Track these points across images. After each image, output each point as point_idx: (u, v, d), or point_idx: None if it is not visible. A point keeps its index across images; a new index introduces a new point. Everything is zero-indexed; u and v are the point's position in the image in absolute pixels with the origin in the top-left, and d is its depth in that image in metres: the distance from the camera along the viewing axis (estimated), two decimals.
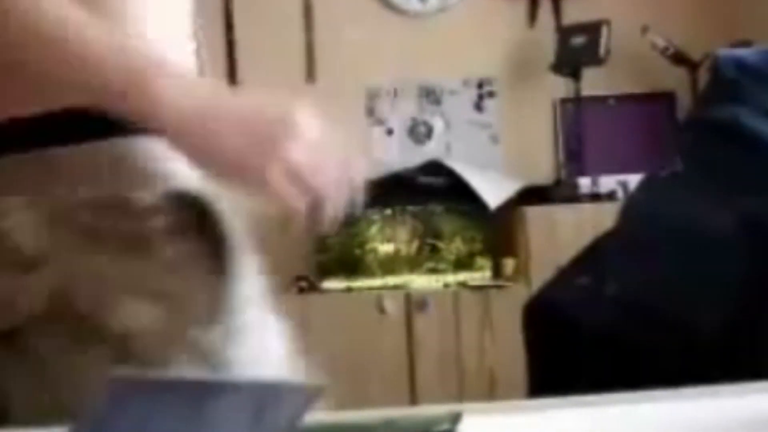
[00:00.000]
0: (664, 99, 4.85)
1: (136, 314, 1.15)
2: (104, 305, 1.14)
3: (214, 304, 1.21)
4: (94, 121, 1.13)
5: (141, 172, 1.17)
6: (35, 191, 1.14)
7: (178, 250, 1.18)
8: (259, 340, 1.29)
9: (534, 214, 4.45)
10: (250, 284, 1.31)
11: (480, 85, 4.91)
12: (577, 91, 4.63)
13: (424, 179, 4.59)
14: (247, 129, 1.15)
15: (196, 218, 1.22)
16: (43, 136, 1.15)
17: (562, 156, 4.86)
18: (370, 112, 4.92)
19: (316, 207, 1.12)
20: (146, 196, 1.16)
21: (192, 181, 1.21)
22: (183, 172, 1.19)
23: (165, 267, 1.17)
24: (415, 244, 4.68)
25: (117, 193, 1.15)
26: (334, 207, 1.14)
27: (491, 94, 4.92)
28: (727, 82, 1.97)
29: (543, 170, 4.83)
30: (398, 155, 4.87)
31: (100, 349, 1.14)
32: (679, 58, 4.62)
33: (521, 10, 4.91)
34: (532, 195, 4.57)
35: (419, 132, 4.92)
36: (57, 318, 1.14)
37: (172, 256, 1.17)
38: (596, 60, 4.57)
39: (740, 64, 1.96)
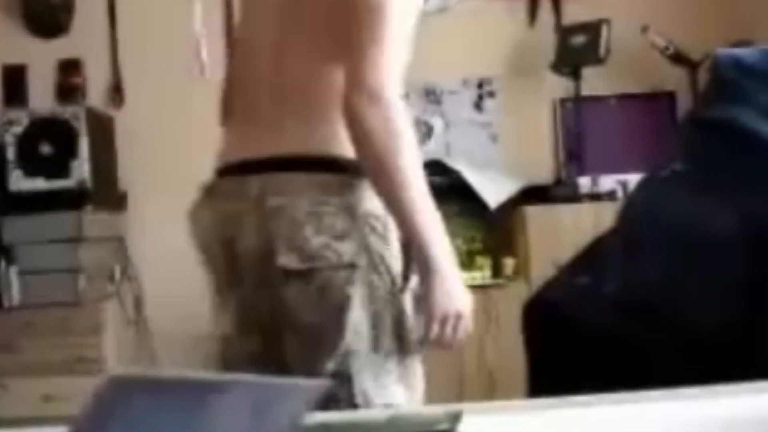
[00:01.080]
0: (663, 99, 4.85)
1: None
2: None
3: None
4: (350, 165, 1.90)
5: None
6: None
7: None
8: None
9: (534, 213, 4.45)
10: None
11: (480, 85, 4.91)
12: (577, 90, 4.63)
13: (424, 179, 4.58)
14: (450, 302, 1.87)
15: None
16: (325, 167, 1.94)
17: (561, 156, 4.86)
18: None
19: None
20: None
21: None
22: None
23: None
24: None
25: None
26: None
27: (491, 94, 4.91)
28: (727, 82, 1.97)
29: (543, 170, 4.83)
30: None
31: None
32: (679, 58, 4.62)
33: (521, 10, 4.91)
34: (532, 194, 4.57)
35: (419, 132, 4.92)
36: None
37: None
38: (596, 60, 4.57)
39: (740, 64, 1.97)
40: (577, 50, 4.60)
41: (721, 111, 1.96)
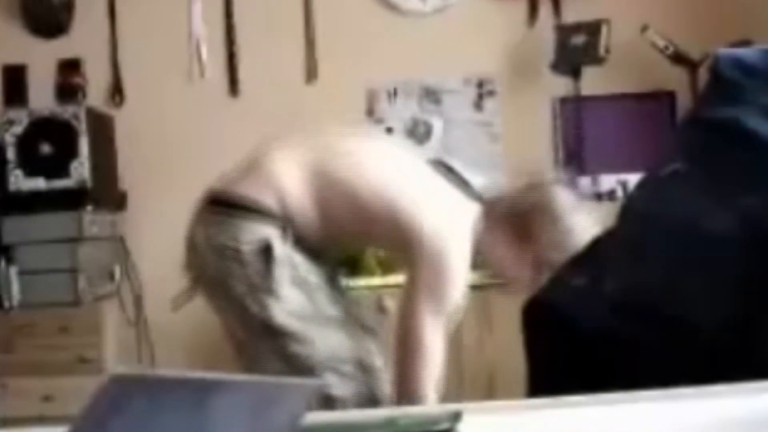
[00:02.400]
0: (663, 98, 4.85)
1: None
2: None
3: None
4: None
5: None
6: None
7: None
8: None
9: None
10: None
11: (480, 85, 4.91)
12: (577, 90, 4.63)
13: None
14: None
15: None
16: None
17: (561, 155, 4.86)
18: (370, 111, 4.92)
19: None
20: None
21: None
22: None
23: None
24: None
25: None
26: None
27: (491, 94, 4.92)
28: (727, 82, 1.97)
29: (543, 169, 4.83)
30: None
31: None
32: (678, 58, 4.62)
33: (521, 9, 4.91)
34: None
35: (419, 131, 4.92)
36: None
37: None
38: (596, 59, 4.57)
39: (740, 64, 1.96)
40: (576, 50, 4.60)
41: (721, 111, 1.95)
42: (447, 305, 2.56)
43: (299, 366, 2.44)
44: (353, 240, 2.70)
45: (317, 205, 2.52)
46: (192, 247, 2.57)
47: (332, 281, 2.66)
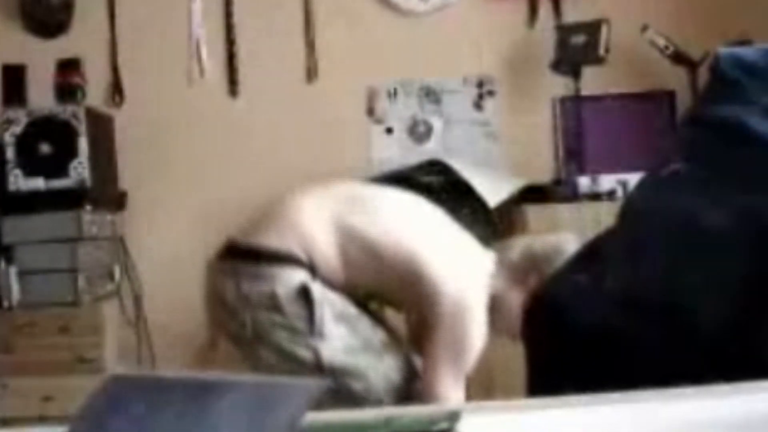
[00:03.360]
0: (663, 98, 4.85)
1: None
2: None
3: None
4: None
5: None
6: None
7: None
8: None
9: (533, 212, 4.45)
10: None
11: (480, 84, 4.91)
12: (577, 89, 4.63)
13: (424, 178, 4.58)
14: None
15: None
16: None
17: (561, 155, 4.86)
18: (370, 111, 4.92)
19: None
20: None
21: None
22: None
23: None
24: None
25: None
26: None
27: (491, 93, 4.91)
28: (727, 81, 1.97)
29: (543, 169, 4.83)
30: (398, 154, 4.87)
31: None
32: (678, 57, 4.61)
33: (521, 9, 4.91)
34: (532, 194, 4.57)
35: (419, 131, 4.92)
36: None
37: None
38: (596, 59, 4.57)
39: (740, 63, 1.96)
40: (576, 49, 4.60)
41: (721, 110, 1.95)
42: (467, 363, 2.64)
43: (359, 403, 2.48)
44: (376, 290, 2.71)
45: (340, 255, 2.56)
46: (219, 302, 2.59)
47: (365, 307, 2.69)
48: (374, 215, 2.63)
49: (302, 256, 2.54)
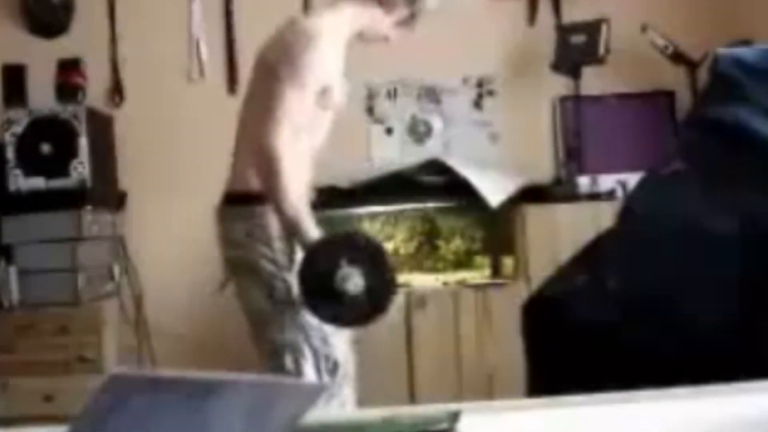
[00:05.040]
0: (663, 98, 4.85)
1: None
2: None
3: None
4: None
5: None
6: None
7: None
8: None
9: (533, 212, 4.45)
10: None
11: (480, 84, 4.91)
12: (577, 89, 4.63)
13: (424, 178, 4.58)
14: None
15: None
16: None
17: (561, 155, 4.86)
18: (370, 111, 4.92)
19: None
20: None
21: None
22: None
23: None
24: (414, 243, 4.68)
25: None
26: None
27: (491, 93, 4.91)
28: (727, 81, 1.97)
29: (542, 169, 4.83)
30: (398, 154, 4.87)
31: None
32: (678, 57, 4.62)
33: (521, 9, 4.91)
34: (532, 194, 4.57)
35: (419, 131, 4.92)
36: None
37: None
38: (596, 59, 4.57)
39: (740, 63, 1.97)
40: (576, 49, 4.60)
41: (721, 110, 1.96)
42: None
43: (313, 333, 2.87)
44: None
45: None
46: (230, 241, 2.96)
47: None
48: None
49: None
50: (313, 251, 2.77)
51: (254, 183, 2.90)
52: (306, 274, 2.77)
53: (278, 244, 2.88)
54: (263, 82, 3.05)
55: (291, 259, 2.88)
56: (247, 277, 2.94)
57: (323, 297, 2.76)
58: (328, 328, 2.87)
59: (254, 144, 2.88)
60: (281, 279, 2.88)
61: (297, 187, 2.86)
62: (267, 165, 2.82)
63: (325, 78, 3.16)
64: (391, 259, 2.93)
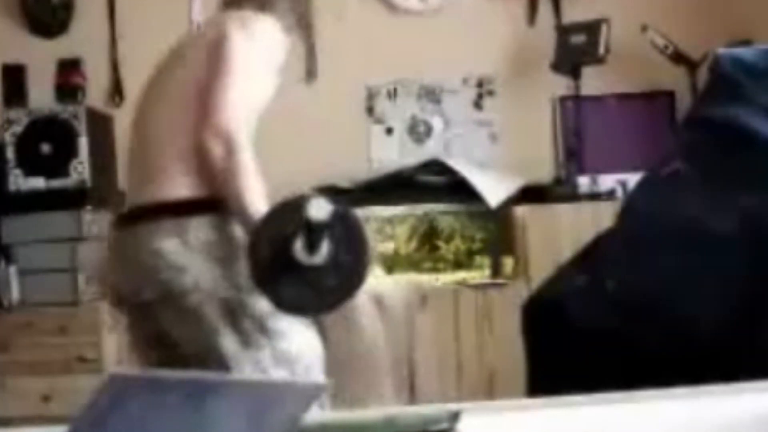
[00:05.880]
0: (663, 98, 4.85)
1: None
2: None
3: None
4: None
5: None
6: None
7: None
8: None
9: (533, 212, 4.45)
10: None
11: (480, 84, 4.91)
12: (577, 89, 4.63)
13: (424, 178, 4.58)
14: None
15: None
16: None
17: (561, 155, 4.85)
18: (370, 111, 4.92)
19: None
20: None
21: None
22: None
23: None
24: (414, 243, 4.68)
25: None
26: None
27: (491, 93, 4.91)
28: (727, 81, 1.97)
29: (542, 169, 4.83)
30: (398, 154, 4.87)
31: None
32: (678, 57, 4.61)
33: (521, 9, 4.91)
34: (532, 194, 4.57)
35: (419, 131, 4.92)
36: None
37: None
38: (596, 59, 4.57)
39: (740, 63, 1.97)
40: (576, 49, 4.60)
41: (721, 110, 1.96)
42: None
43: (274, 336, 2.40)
44: None
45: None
46: (155, 267, 2.39)
47: None
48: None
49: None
50: (266, 221, 2.29)
51: (193, 189, 2.40)
52: (258, 249, 2.24)
53: (238, 264, 2.33)
54: (194, 66, 2.61)
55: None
56: (182, 308, 2.35)
57: (281, 274, 2.20)
58: (286, 322, 2.37)
59: (199, 139, 2.39)
60: (244, 306, 2.34)
61: (259, 186, 2.44)
62: (225, 159, 2.36)
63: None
64: (361, 223, 2.29)
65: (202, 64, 2.57)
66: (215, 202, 2.39)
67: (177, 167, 2.46)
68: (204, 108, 2.45)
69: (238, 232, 2.39)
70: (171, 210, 2.41)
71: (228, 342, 2.33)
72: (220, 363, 2.29)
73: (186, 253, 2.36)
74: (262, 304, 2.32)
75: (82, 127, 4.37)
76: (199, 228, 2.39)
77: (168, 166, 2.50)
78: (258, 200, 2.37)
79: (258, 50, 2.62)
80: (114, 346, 4.45)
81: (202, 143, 2.38)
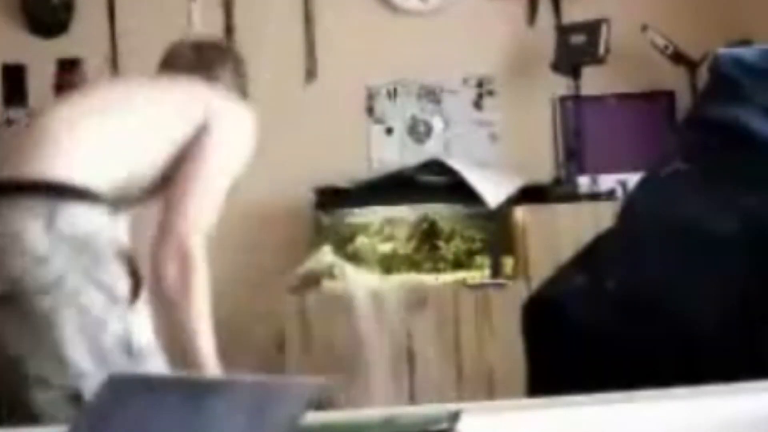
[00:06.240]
0: (663, 98, 4.85)
1: None
2: None
3: None
4: None
5: None
6: None
7: None
8: None
9: (533, 212, 4.45)
10: None
11: (480, 84, 4.91)
12: (577, 89, 4.63)
13: (424, 178, 4.58)
14: None
15: None
16: None
17: (561, 155, 4.86)
18: (370, 111, 4.92)
19: None
20: None
21: None
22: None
23: None
24: (414, 243, 4.68)
25: None
26: None
27: (491, 93, 4.91)
28: (727, 81, 1.97)
29: (542, 169, 4.83)
30: (398, 154, 4.87)
31: None
32: (678, 57, 4.62)
33: (521, 9, 4.91)
34: (532, 194, 4.57)
35: (419, 131, 4.92)
36: None
37: None
38: (596, 59, 4.57)
39: (740, 63, 1.97)
40: (576, 49, 4.60)
41: (721, 110, 1.96)
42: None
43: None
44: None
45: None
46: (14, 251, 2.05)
47: None
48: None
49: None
50: None
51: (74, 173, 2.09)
52: None
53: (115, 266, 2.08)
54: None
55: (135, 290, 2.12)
56: (30, 311, 1.99)
57: None
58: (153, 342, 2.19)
59: (155, 252, 2.24)
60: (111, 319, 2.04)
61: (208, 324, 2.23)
62: (178, 278, 2.19)
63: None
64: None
65: (169, 154, 2.31)
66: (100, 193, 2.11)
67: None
68: (166, 214, 2.28)
69: (120, 232, 2.22)
70: (43, 189, 2.06)
71: (80, 356, 1.98)
72: (64, 381, 1.97)
73: (51, 241, 2.01)
74: (132, 317, 2.08)
75: None
76: (75, 216, 2.05)
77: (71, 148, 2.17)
78: (207, 346, 2.19)
79: (235, 148, 2.41)
80: None
81: (157, 257, 2.23)
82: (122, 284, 2.10)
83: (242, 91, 2.68)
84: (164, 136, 2.31)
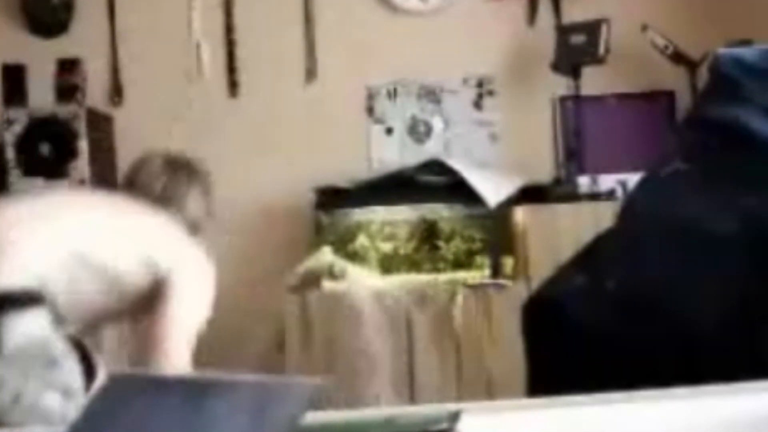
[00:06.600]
0: (663, 98, 4.85)
1: None
2: None
3: None
4: None
5: None
6: None
7: None
8: None
9: (533, 212, 4.45)
10: None
11: (480, 84, 4.91)
12: (577, 89, 4.63)
13: (424, 178, 4.58)
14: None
15: None
16: None
17: (561, 155, 4.86)
18: (370, 111, 4.92)
19: None
20: None
21: None
22: None
23: None
24: (414, 243, 4.68)
25: None
26: None
27: (491, 93, 4.91)
28: (727, 81, 1.97)
29: (542, 169, 4.83)
30: (398, 154, 4.87)
31: None
32: (678, 57, 4.62)
33: (521, 9, 4.91)
34: (532, 194, 4.57)
35: (419, 131, 4.92)
36: None
37: None
38: (596, 59, 4.57)
39: (740, 63, 1.97)
40: (576, 49, 4.60)
41: (721, 110, 1.96)
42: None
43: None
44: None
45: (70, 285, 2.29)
46: None
47: None
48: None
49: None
50: None
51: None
52: None
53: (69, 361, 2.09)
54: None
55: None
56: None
57: None
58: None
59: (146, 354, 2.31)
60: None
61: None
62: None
63: None
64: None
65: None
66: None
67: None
68: (152, 330, 2.35)
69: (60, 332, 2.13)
70: None
71: None
72: None
73: (2, 363, 1.99)
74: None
75: (81, 127, 4.38)
76: (13, 329, 2.01)
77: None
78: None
79: (198, 299, 2.45)
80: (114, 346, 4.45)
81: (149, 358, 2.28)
82: (77, 375, 2.12)
83: (207, 211, 2.70)
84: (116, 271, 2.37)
